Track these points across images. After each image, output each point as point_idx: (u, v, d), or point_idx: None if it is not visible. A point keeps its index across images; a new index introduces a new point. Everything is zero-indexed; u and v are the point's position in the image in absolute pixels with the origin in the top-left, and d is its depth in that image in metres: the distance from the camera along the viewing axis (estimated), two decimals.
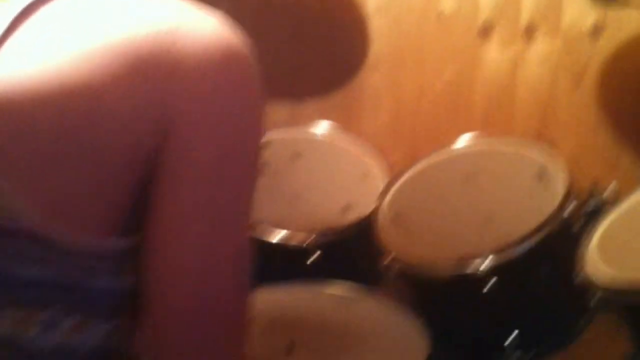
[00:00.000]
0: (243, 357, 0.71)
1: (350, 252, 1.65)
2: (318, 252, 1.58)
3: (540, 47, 2.03)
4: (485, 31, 2.08)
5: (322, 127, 1.93)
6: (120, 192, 0.66)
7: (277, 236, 1.62)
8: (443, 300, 1.50)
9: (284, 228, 1.62)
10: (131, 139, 0.65)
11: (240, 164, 0.70)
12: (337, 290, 1.52)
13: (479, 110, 2.11)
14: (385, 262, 1.52)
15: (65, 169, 0.63)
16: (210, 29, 0.69)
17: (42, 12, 0.66)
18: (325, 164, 1.88)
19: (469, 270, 1.40)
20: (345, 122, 2.25)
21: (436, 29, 2.14)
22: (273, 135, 1.90)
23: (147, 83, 0.65)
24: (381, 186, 1.71)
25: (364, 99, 2.26)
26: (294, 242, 1.61)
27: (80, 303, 0.66)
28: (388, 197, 1.62)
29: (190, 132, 0.66)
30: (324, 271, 1.59)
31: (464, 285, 1.43)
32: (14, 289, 0.64)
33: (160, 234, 0.67)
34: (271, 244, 1.61)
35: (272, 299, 1.49)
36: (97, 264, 0.66)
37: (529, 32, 2.03)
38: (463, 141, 1.70)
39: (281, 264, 1.65)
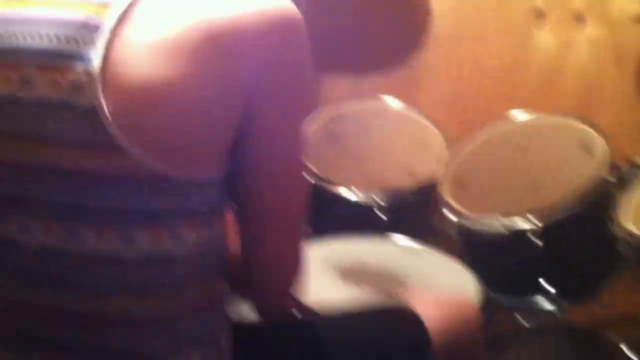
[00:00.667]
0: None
1: (414, 211, 1.89)
2: (384, 211, 1.82)
3: (589, 31, 2.23)
4: (540, 14, 2.28)
5: (387, 101, 2.15)
6: (217, 143, 0.86)
7: (349, 195, 1.86)
8: (496, 254, 1.73)
9: (356, 188, 1.86)
10: (225, 104, 0.83)
11: (302, 108, 0.92)
12: (399, 242, 1.73)
13: (532, 87, 2.32)
14: (445, 220, 1.75)
15: (183, 132, 0.81)
16: (272, 3, 0.84)
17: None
18: (391, 134, 2.10)
19: (520, 228, 1.63)
20: (406, 96, 2.46)
21: (494, 9, 2.34)
22: (343, 109, 2.14)
23: (227, 60, 0.81)
24: (441, 155, 1.94)
25: (424, 74, 2.47)
26: (364, 201, 1.85)
27: (195, 218, 0.88)
28: (450, 164, 1.85)
29: (266, 91, 0.85)
30: (390, 228, 1.82)
31: (514, 241, 1.66)
32: (152, 217, 0.84)
33: (256, 160, 0.90)
34: (344, 201, 1.86)
35: (342, 248, 1.70)
36: (204, 190, 0.88)
37: (579, 17, 2.23)
38: (516, 116, 1.91)
39: (351, 221, 1.89)
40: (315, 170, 1.91)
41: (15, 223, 0.85)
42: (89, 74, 0.79)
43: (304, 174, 0.97)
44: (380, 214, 1.84)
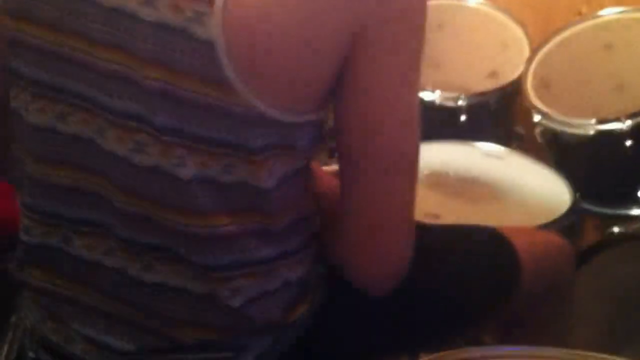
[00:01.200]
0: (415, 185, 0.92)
1: (495, 113, 1.86)
2: (466, 114, 1.80)
3: None
4: None
5: None
6: (319, 86, 0.84)
7: (430, 96, 1.84)
8: (583, 156, 1.70)
9: (436, 89, 1.83)
10: (333, 48, 0.81)
11: (416, 51, 0.86)
12: (485, 148, 1.70)
13: None
14: (530, 123, 1.72)
15: (297, 70, 0.80)
16: None
17: None
18: (469, 32, 2.05)
19: (608, 129, 1.60)
20: None
21: None
22: None
23: (340, 3, 0.79)
24: (523, 54, 1.89)
25: None
26: (442, 103, 1.83)
27: (288, 151, 0.87)
28: (533, 64, 1.80)
29: (378, 26, 0.81)
30: (471, 131, 1.81)
31: (602, 142, 1.63)
32: (251, 152, 0.84)
33: (360, 102, 0.86)
34: (423, 103, 1.82)
35: (423, 152, 1.69)
36: (304, 130, 0.87)
37: None
38: (601, 11, 1.85)
39: (431, 123, 1.87)
40: None
41: (126, 140, 0.86)
42: (211, 4, 0.77)
43: (417, 117, 0.90)
44: (461, 117, 1.82)
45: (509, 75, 1.85)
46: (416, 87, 0.88)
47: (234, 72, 0.79)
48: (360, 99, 0.85)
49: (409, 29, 0.84)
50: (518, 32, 1.99)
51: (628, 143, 1.58)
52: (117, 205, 0.88)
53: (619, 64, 1.78)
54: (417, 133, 0.89)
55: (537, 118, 1.69)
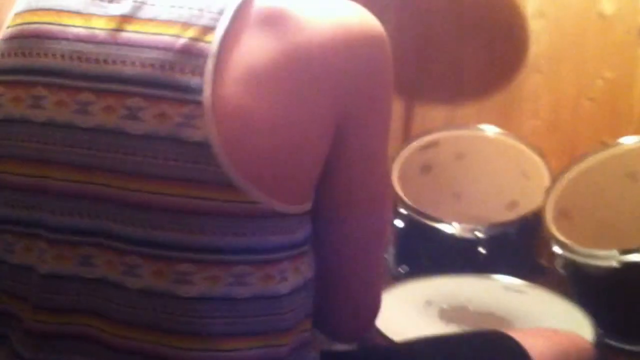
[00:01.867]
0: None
1: (516, 245, 1.80)
2: (485, 246, 1.74)
3: None
4: None
5: (484, 128, 2.07)
6: (315, 170, 0.83)
7: (448, 229, 1.79)
8: (607, 290, 1.62)
9: (454, 221, 1.79)
10: (321, 127, 0.81)
11: (387, 119, 0.89)
12: (503, 281, 1.64)
13: (638, 110, 2.20)
14: (551, 254, 1.66)
15: (289, 163, 0.79)
16: (360, 24, 0.83)
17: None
18: (488, 162, 2.02)
19: (632, 260, 1.52)
20: (504, 123, 2.38)
21: (596, 29, 2.24)
22: (438, 136, 2.07)
23: (320, 83, 0.79)
24: (543, 184, 1.85)
25: (523, 100, 2.38)
26: (463, 235, 1.78)
27: (298, 252, 0.85)
28: (554, 194, 1.76)
29: (357, 109, 0.83)
30: (491, 263, 1.74)
31: (628, 275, 1.55)
32: (262, 255, 0.82)
33: (341, 186, 0.87)
34: (442, 236, 1.79)
35: (441, 286, 1.64)
36: (303, 222, 0.85)
37: None
38: (623, 140, 1.81)
39: (451, 255, 1.82)
40: (410, 202, 1.85)
41: (118, 264, 0.81)
42: (199, 105, 0.76)
43: (389, 199, 0.97)
44: (481, 250, 1.76)
45: (529, 205, 1.80)
46: (386, 163, 0.92)
47: (233, 170, 0.76)
48: (340, 180, 0.87)
49: (381, 110, 0.87)
50: (538, 161, 1.95)
51: None
52: (107, 342, 0.83)
53: None
54: (389, 206, 0.98)
55: (557, 249, 1.62)
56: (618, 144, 1.81)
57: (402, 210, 1.84)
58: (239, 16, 0.78)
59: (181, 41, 0.77)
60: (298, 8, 0.80)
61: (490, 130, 2.06)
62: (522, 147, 2.01)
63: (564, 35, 2.30)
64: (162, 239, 0.79)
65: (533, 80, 2.36)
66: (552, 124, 2.34)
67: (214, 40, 0.77)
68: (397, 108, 2.60)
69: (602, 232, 1.68)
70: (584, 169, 1.78)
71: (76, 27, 0.80)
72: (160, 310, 0.80)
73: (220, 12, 0.78)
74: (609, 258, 1.57)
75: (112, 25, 0.80)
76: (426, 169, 2.03)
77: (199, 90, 0.76)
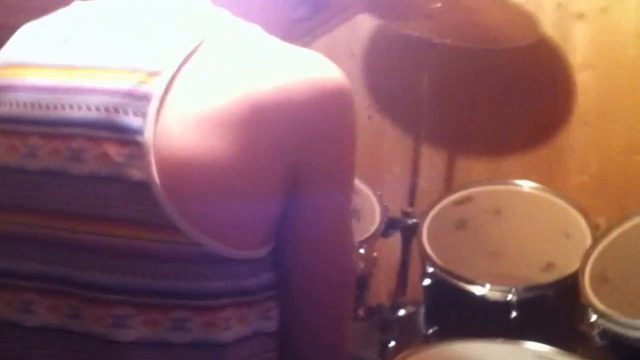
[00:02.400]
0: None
1: (551, 310, 1.67)
2: (518, 310, 1.62)
3: None
4: None
5: (520, 183, 1.96)
6: (266, 216, 0.83)
7: (479, 290, 1.68)
8: None
9: (485, 282, 1.68)
10: (271, 174, 0.81)
11: (349, 172, 0.88)
12: (534, 348, 1.53)
13: None
14: (589, 322, 1.52)
15: (233, 206, 0.79)
16: (316, 72, 0.83)
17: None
18: (527, 220, 1.90)
19: None
20: (549, 179, 2.26)
21: None
22: (475, 190, 1.96)
23: (272, 130, 0.79)
24: (585, 245, 1.71)
25: (569, 155, 2.26)
26: (495, 297, 1.66)
27: (248, 298, 0.84)
28: (593, 256, 1.62)
29: (315, 160, 0.83)
30: (524, 328, 1.62)
31: None
32: (203, 300, 0.80)
33: (299, 237, 0.86)
34: (472, 297, 1.67)
35: (467, 352, 1.53)
36: (256, 268, 0.84)
37: None
38: None
39: (481, 318, 1.70)
40: (439, 261, 1.74)
41: (61, 307, 0.81)
42: (140, 145, 0.76)
43: (352, 253, 0.93)
44: (513, 313, 1.63)
45: (567, 267, 1.67)
46: (348, 214, 0.90)
47: (173, 211, 0.76)
48: (299, 229, 0.86)
49: (341, 161, 0.86)
50: (580, 220, 1.83)
51: None
52: None
53: None
54: (352, 245, 0.93)
55: (594, 317, 1.49)
56: None
57: (430, 269, 1.73)
58: (191, 61, 0.80)
59: (127, 85, 0.79)
60: (254, 54, 0.81)
61: (526, 185, 1.94)
62: (564, 204, 1.88)
63: (612, 87, 2.18)
64: (103, 282, 0.79)
65: (580, 134, 2.24)
66: (600, 180, 2.22)
67: (159, 83, 0.78)
68: (439, 162, 2.52)
69: None
70: (628, 230, 1.65)
71: (34, 77, 0.84)
72: (98, 356, 0.80)
73: (171, 57, 0.80)
74: None
75: (66, 72, 0.83)
76: (461, 225, 1.93)
77: (140, 131, 0.76)
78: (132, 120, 0.77)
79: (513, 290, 1.64)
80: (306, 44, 2.59)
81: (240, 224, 0.80)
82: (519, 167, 2.34)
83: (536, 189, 1.94)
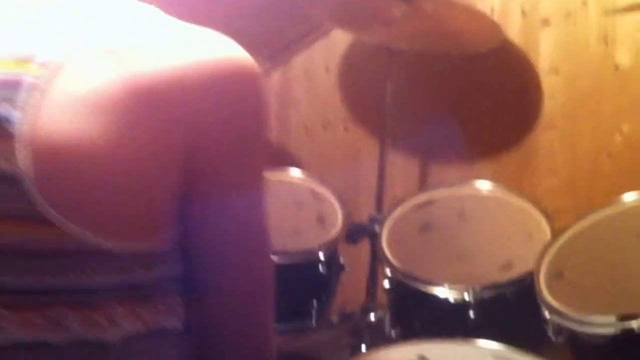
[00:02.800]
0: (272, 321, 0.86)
1: (511, 309, 1.66)
2: (477, 310, 1.61)
3: None
4: None
5: (485, 185, 1.96)
6: (158, 208, 0.77)
7: (437, 291, 1.67)
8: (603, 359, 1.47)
9: (443, 283, 1.67)
10: (161, 164, 0.75)
11: (257, 160, 0.81)
12: (491, 348, 1.51)
13: None
14: (545, 320, 1.51)
15: (115, 198, 0.73)
16: (213, 52, 0.77)
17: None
18: (491, 222, 1.90)
19: (631, 327, 1.37)
20: (519, 182, 2.27)
21: (613, 82, 2.12)
22: (437, 193, 1.96)
23: (160, 116, 0.74)
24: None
25: (538, 158, 2.26)
26: (453, 297, 1.65)
27: (139, 297, 0.78)
28: (550, 253, 1.62)
29: (216, 148, 0.77)
30: (483, 327, 1.61)
31: (627, 344, 1.40)
32: (85, 297, 0.75)
33: (203, 232, 0.80)
34: (432, 298, 1.67)
35: (424, 353, 1.52)
36: (151, 265, 0.78)
37: None
38: (632, 195, 1.66)
39: (441, 318, 1.70)
40: (397, 264, 1.74)
41: None
42: (11, 136, 0.72)
43: (268, 248, 0.85)
44: (472, 313, 1.63)
45: (526, 267, 1.66)
46: (260, 207, 0.83)
47: (46, 204, 0.72)
48: (201, 224, 0.80)
49: (247, 152, 0.80)
50: (542, 221, 1.82)
51: None
52: None
53: None
54: (268, 256, 0.86)
55: (547, 315, 1.48)
56: (624, 199, 1.66)
57: (389, 272, 1.73)
58: (75, 46, 0.75)
59: (5, 75, 0.75)
60: (144, 35, 0.76)
61: (489, 187, 1.93)
62: (527, 205, 1.88)
63: (578, 90, 2.18)
64: None
65: (548, 137, 2.24)
66: (569, 182, 2.21)
67: (37, 72, 0.74)
68: (412, 169, 2.52)
69: (604, 295, 1.53)
70: (584, 228, 1.64)
71: None
72: None
73: (52, 43, 0.75)
74: (606, 325, 1.42)
75: None
76: (425, 228, 1.92)
77: (12, 122, 0.73)
78: (9, 112, 0.73)
79: (470, 290, 1.63)
80: (285, 60, 2.61)
81: (122, 216, 0.75)
82: (490, 171, 2.34)
83: (499, 191, 1.93)
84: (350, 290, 2.24)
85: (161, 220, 0.77)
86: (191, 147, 0.75)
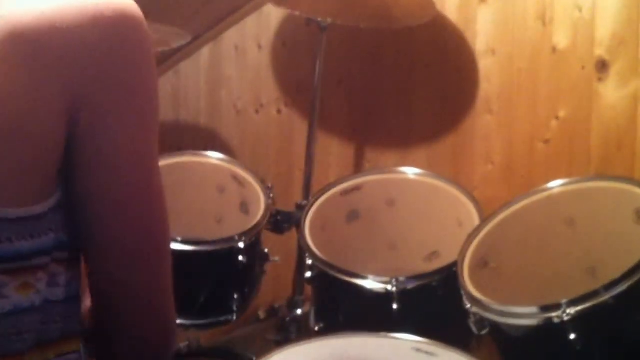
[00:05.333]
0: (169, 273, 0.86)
1: (436, 300, 1.65)
2: (397, 300, 1.60)
3: None
4: (602, 66, 2.04)
5: (411, 170, 1.94)
6: (37, 165, 0.75)
7: (361, 282, 1.66)
8: (528, 352, 1.47)
9: (367, 275, 1.66)
10: (39, 116, 0.73)
11: (145, 111, 0.81)
12: (413, 341, 1.51)
13: (597, 152, 2.06)
14: (467, 310, 1.51)
15: None
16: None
17: None
18: (420, 209, 1.89)
19: (553, 318, 1.37)
20: (454, 166, 2.27)
21: (549, 65, 2.12)
22: (363, 180, 1.94)
23: (34, 63, 0.72)
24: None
25: (474, 142, 2.26)
26: (376, 289, 1.64)
27: (19, 264, 0.76)
28: (475, 242, 1.61)
29: (100, 97, 0.76)
30: (408, 320, 1.60)
31: (548, 334, 1.40)
32: None
33: (93, 187, 0.79)
34: (355, 290, 1.65)
35: (345, 347, 1.51)
36: (24, 229, 0.76)
37: None
38: (560, 182, 1.66)
39: (365, 311, 1.68)
40: (320, 254, 1.72)
41: None
42: None
43: (161, 203, 0.84)
44: (395, 305, 1.61)
45: (452, 256, 1.65)
46: (151, 156, 0.82)
47: None
48: (87, 176, 0.79)
49: (133, 98, 0.79)
50: (475, 210, 1.81)
51: (572, 336, 1.34)
52: None
53: (585, 242, 1.58)
54: (163, 211, 0.84)
55: (468, 305, 1.47)
56: (552, 185, 1.66)
57: (310, 262, 1.71)
58: None
59: None
60: None
61: (415, 172, 1.92)
62: (457, 192, 1.87)
63: (515, 72, 2.18)
64: None
65: (484, 122, 2.24)
66: (505, 167, 2.21)
67: None
68: (348, 154, 2.51)
69: (530, 283, 1.53)
70: (510, 214, 1.64)
71: None
72: None
73: None
74: (528, 316, 1.41)
75: None
76: (353, 216, 1.91)
77: None
78: None
79: (393, 281, 1.61)
80: (216, 35, 2.57)
81: (1, 178, 0.73)
82: (425, 157, 2.33)
83: (428, 176, 1.92)
84: (280, 283, 2.23)
85: (47, 180, 0.76)
86: (72, 94, 0.74)
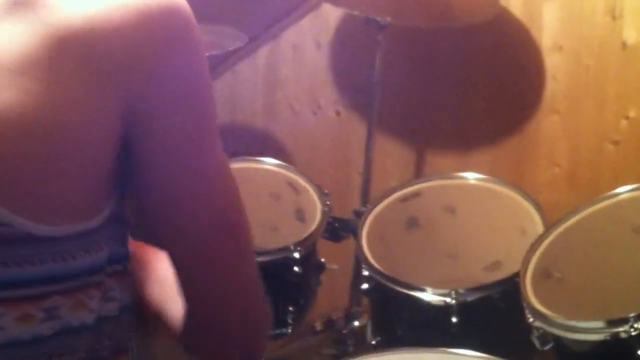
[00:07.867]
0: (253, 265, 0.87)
1: (494, 311, 1.64)
2: (456, 313, 1.60)
3: None
4: None
5: (472, 175, 1.93)
6: (95, 180, 0.76)
7: (419, 294, 1.66)
8: None
9: (425, 286, 1.66)
10: (97, 125, 0.73)
11: (200, 100, 0.81)
12: (470, 356, 1.50)
13: None
14: (531, 323, 1.49)
15: (49, 170, 0.71)
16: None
17: None
18: (481, 216, 1.88)
19: (620, 333, 1.35)
20: (518, 170, 2.25)
21: (619, 61, 2.09)
22: (425, 186, 1.94)
23: (89, 69, 0.72)
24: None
25: (539, 144, 2.24)
26: (435, 300, 1.64)
27: (72, 283, 0.76)
28: (539, 251, 1.60)
29: (154, 94, 0.76)
30: (468, 334, 1.60)
31: (615, 350, 1.38)
32: (17, 288, 0.74)
33: (157, 184, 0.80)
34: (412, 302, 1.65)
35: None
36: (78, 246, 0.76)
37: None
38: (629, 187, 1.63)
39: (424, 324, 1.68)
40: (377, 264, 1.72)
41: None
42: None
43: (236, 197, 0.85)
44: (454, 319, 1.61)
45: (515, 266, 1.64)
46: (215, 151, 0.83)
47: None
48: (155, 186, 0.80)
49: (189, 94, 0.79)
50: (539, 217, 1.79)
51: None
52: None
53: None
54: (235, 195, 0.85)
55: (532, 320, 1.46)
56: (620, 192, 1.63)
57: (367, 273, 1.71)
58: None
59: None
60: None
61: (476, 177, 1.91)
62: (520, 197, 1.85)
63: (583, 69, 2.15)
64: None
65: (549, 123, 2.21)
66: (571, 171, 2.19)
67: None
68: (407, 158, 2.50)
69: (596, 295, 1.51)
70: (576, 223, 1.62)
71: None
72: None
73: None
74: (594, 331, 1.40)
75: None
76: (412, 223, 1.90)
77: None
78: None
79: (452, 293, 1.61)
80: (274, 36, 2.58)
81: (56, 193, 0.72)
82: (488, 160, 2.32)
83: (488, 181, 1.90)
84: (337, 291, 2.23)
85: (103, 191, 0.76)
86: (126, 98, 0.74)
